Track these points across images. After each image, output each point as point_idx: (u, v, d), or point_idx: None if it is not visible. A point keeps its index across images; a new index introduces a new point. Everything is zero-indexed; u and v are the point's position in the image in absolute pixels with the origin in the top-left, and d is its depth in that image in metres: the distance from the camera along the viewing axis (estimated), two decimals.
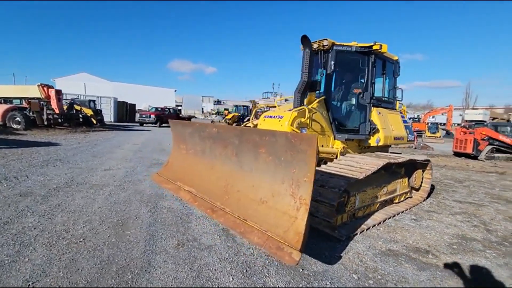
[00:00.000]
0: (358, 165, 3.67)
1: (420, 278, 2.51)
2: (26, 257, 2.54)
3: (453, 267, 2.73)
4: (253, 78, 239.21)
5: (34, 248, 2.70)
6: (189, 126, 4.35)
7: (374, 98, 4.56)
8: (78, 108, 16.72)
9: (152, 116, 22.90)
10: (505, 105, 60.96)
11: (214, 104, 71.94)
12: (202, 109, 59.88)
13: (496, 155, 11.78)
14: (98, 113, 18.66)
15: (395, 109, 5.18)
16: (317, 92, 4.66)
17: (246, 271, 2.49)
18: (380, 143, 4.58)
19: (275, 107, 5.54)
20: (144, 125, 23.43)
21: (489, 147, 11.76)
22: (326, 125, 4.35)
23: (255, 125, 4.94)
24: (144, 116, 23.48)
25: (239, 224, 2.75)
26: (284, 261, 2.13)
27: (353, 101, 4.61)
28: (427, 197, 5.04)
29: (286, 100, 5.73)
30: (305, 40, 3.87)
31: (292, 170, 2.53)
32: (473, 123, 17.96)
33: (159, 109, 25.01)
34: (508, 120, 30.76)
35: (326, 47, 4.47)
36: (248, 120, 21.11)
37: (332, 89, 4.60)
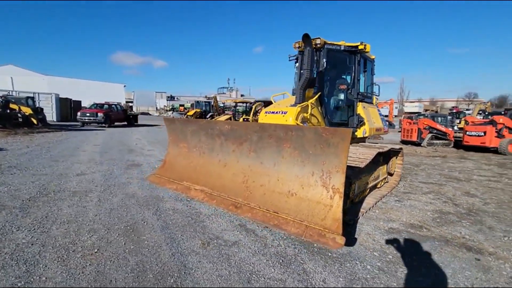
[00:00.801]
0: (355, 155, 4.03)
1: (425, 248, 2.93)
2: (41, 276, 2.28)
3: (444, 236, 3.24)
4: (206, 73, 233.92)
5: (46, 265, 2.44)
6: (192, 124, 4.30)
7: (359, 93, 5.00)
8: (15, 107, 14.54)
9: (100, 114, 18.12)
10: (429, 98, 70.64)
11: (167, 100, 68.60)
12: (156, 105, 56.75)
13: (435, 141, 13.68)
14: (38, 111, 16.42)
15: (373, 103, 5.74)
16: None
17: (282, 261, 2.60)
18: (366, 135, 5.06)
19: (271, 103, 5.68)
20: (86, 125, 18.54)
21: (430, 135, 13.59)
22: (321, 119, 4.64)
23: (256, 121, 5.00)
24: (87, 115, 18.13)
25: (271, 217, 2.85)
26: (329, 247, 2.31)
27: (342, 96, 4.98)
28: (399, 181, 5.72)
29: (283, 95, 5.87)
30: (306, 39, 4.05)
31: (322, 162, 2.71)
32: (416, 114, 20.39)
33: (105, 105, 19.85)
34: (436, 111, 35.51)
35: (319, 45, 4.73)
36: (212, 116, 20.84)
37: (324, 85, 4.91)
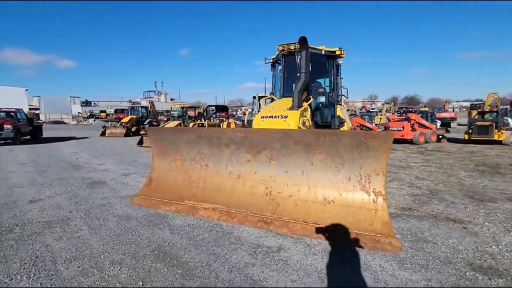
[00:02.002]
0: None
1: (427, 225, 3.55)
2: None
3: (431, 213, 3.96)
4: (127, 76, 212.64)
5: None
6: (187, 132, 4.03)
7: (339, 96, 5.57)
8: None
9: (7, 127, 12.65)
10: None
11: (82, 106, 60.01)
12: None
13: None
14: None
15: (342, 105, 6.45)
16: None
17: (341, 257, 2.75)
18: None
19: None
20: None
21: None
22: (310, 122, 4.99)
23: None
24: None
25: (312, 230, 2.93)
26: (388, 251, 2.56)
27: (323, 99, 5.44)
28: None
29: (272, 99, 5.94)
30: (303, 42, 4.24)
31: (359, 166, 2.95)
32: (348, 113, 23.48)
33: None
34: (354, 111, 40.84)
35: (296, 50, 5.06)
36: (150, 122, 19.27)
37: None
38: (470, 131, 13.38)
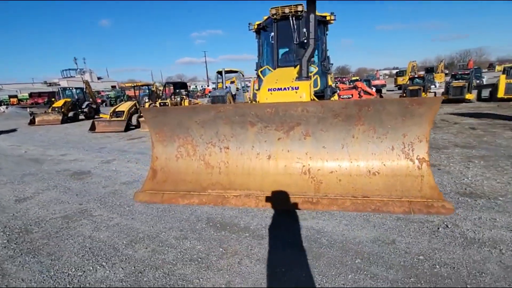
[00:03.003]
0: None
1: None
2: None
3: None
4: (37, 53, 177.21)
5: None
6: (200, 112, 3.45)
7: (328, 64, 5.42)
8: None
9: None
10: None
11: None
12: None
13: None
14: None
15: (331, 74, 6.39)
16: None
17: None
18: None
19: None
20: None
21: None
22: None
23: (252, 101, 4.51)
24: None
25: (364, 203, 2.87)
26: (442, 214, 2.66)
27: (317, 68, 5.21)
28: None
29: (270, 70, 5.36)
30: (312, 3, 3.79)
31: (401, 134, 2.95)
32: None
33: None
34: None
35: (300, 13, 4.71)
36: (89, 106, 16.62)
37: None
38: (447, 92, 14.54)
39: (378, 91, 27.33)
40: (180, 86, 15.07)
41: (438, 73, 35.13)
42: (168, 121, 3.56)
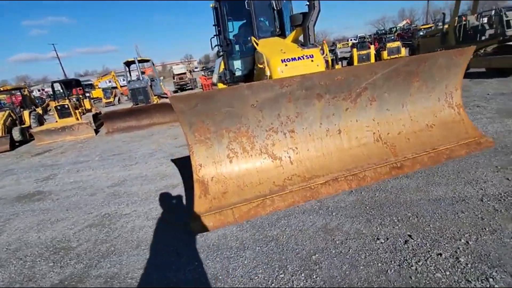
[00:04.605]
0: None
1: None
2: None
3: None
4: None
5: None
6: (260, 90, 2.64)
7: None
8: None
9: None
10: (161, 63, 72.68)
11: None
12: None
13: None
14: None
15: None
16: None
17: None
18: None
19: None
20: None
21: None
22: None
23: (269, 76, 3.78)
24: None
25: (436, 156, 3.08)
26: (489, 147, 3.18)
27: None
28: None
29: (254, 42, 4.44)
30: None
31: (444, 85, 3.27)
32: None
33: None
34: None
35: None
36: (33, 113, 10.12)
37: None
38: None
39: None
40: (75, 84, 11.37)
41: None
42: (212, 110, 2.53)
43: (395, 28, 36.97)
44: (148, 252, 2.43)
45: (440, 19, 15.23)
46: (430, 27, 26.26)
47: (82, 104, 11.07)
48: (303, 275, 1.91)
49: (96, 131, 9.51)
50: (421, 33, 18.83)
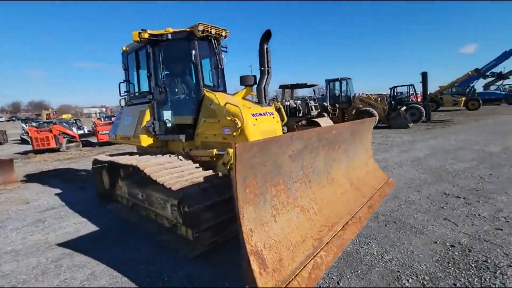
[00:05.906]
0: None
1: None
2: None
3: None
4: None
5: None
6: (295, 139, 2.62)
7: None
8: None
9: None
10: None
11: None
12: None
13: (70, 144, 13.08)
14: None
15: None
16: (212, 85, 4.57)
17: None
18: None
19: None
20: None
21: (65, 139, 12.67)
22: None
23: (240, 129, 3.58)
24: None
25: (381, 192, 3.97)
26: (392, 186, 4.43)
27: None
28: None
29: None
30: (269, 36, 3.86)
31: (365, 138, 4.37)
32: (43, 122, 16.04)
33: None
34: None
35: (223, 38, 4.45)
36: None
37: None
38: None
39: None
40: None
41: None
42: (264, 161, 2.16)
43: None
44: None
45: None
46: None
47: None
48: None
49: None
50: None
